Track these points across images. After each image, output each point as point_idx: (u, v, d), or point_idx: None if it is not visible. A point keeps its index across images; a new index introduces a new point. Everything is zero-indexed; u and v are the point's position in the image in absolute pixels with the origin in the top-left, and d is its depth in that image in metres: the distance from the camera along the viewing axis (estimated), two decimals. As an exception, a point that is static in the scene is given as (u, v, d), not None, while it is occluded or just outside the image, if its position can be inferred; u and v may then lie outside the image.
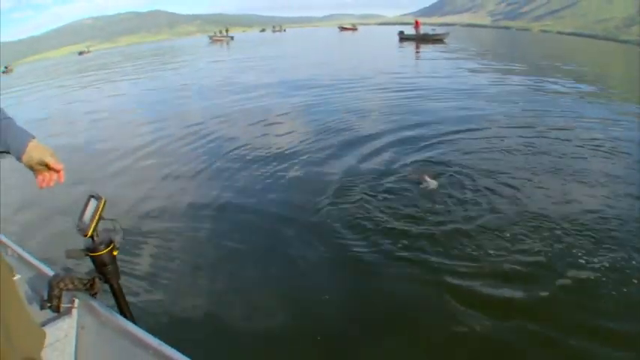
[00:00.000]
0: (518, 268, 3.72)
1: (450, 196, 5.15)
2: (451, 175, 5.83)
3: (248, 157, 7.32)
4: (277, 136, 8.55)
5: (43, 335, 1.63)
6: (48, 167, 1.51)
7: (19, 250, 2.47)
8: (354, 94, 12.67)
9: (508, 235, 4.23)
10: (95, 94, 19.18)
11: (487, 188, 5.36)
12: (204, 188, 6.23)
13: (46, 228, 5.34)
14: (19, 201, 6.30)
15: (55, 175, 1.53)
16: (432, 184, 5.34)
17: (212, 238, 4.75)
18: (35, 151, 1.46)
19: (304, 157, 7.06)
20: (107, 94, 18.29)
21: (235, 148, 7.89)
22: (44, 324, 1.84)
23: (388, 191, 5.43)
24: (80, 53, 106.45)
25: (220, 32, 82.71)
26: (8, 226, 5.28)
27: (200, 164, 7.31)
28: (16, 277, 2.13)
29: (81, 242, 1.86)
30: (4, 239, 2.58)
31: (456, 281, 3.58)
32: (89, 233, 1.78)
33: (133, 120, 12.04)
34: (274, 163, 6.85)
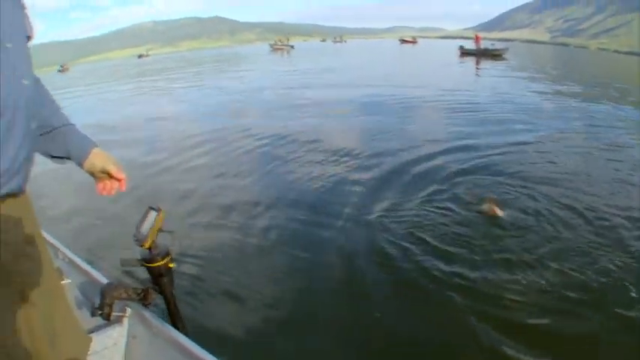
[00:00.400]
0: (572, 305, 3.45)
1: (508, 219, 4.93)
2: (507, 193, 5.72)
3: (302, 164, 7.51)
4: (333, 146, 8.63)
5: (89, 341, 1.66)
6: (110, 175, 1.55)
7: (70, 255, 2.52)
8: (414, 107, 12.88)
9: (567, 267, 3.94)
10: (154, 98, 19.92)
11: (548, 210, 5.11)
12: (255, 191, 6.44)
13: (95, 230, 5.46)
14: (68, 202, 6.53)
15: (116, 184, 1.57)
16: (497, 212, 5.03)
17: (261, 242, 4.84)
18: (98, 158, 1.51)
19: (359, 168, 7.12)
20: (166, 99, 18.87)
21: (291, 153, 8.21)
22: (93, 331, 1.88)
23: (444, 208, 5.31)
24: (140, 56, 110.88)
25: (280, 41, 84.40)
26: (58, 228, 5.36)
27: (253, 168, 7.55)
28: (66, 281, 2.19)
29: (135, 249, 1.90)
30: (55, 242, 2.62)
31: (504, 314, 3.39)
32: (147, 244, 1.82)
33: (190, 124, 12.37)
34: (328, 172, 6.96)
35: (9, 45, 1.10)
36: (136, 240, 1.82)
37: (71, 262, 2.44)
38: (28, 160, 1.17)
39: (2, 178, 1.06)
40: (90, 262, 2.46)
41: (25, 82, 1.15)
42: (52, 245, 2.56)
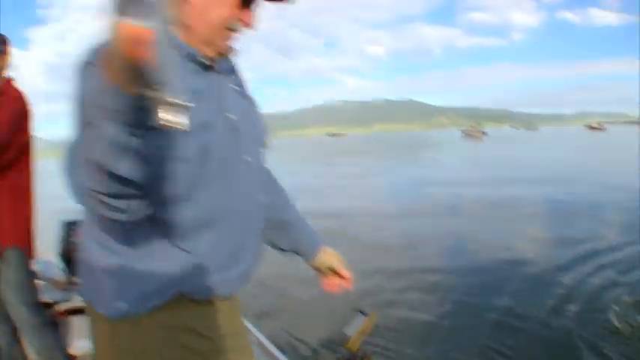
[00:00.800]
0: None
1: None
2: None
3: (487, 254, 7.65)
4: (520, 241, 8.56)
5: None
6: (336, 273, 1.61)
7: (260, 337, 2.59)
8: (607, 204, 11.90)
9: None
10: (354, 182, 20.60)
11: None
12: (440, 273, 6.68)
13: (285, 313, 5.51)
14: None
15: (340, 281, 1.62)
16: None
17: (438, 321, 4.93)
18: (326, 256, 1.57)
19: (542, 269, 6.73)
20: (365, 185, 19.48)
21: (476, 250, 8.08)
22: None
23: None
24: (332, 135, 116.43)
25: (472, 127, 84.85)
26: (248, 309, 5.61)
27: (440, 253, 7.91)
28: None
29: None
30: (247, 324, 2.54)
31: None
32: (351, 346, 1.84)
33: (384, 213, 12.57)
34: (511, 260, 7.08)
35: (248, 158, 1.10)
36: (340, 339, 1.87)
37: (260, 345, 2.53)
38: (254, 267, 1.21)
39: (228, 284, 1.12)
40: (280, 348, 2.58)
41: (261, 197, 1.19)
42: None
